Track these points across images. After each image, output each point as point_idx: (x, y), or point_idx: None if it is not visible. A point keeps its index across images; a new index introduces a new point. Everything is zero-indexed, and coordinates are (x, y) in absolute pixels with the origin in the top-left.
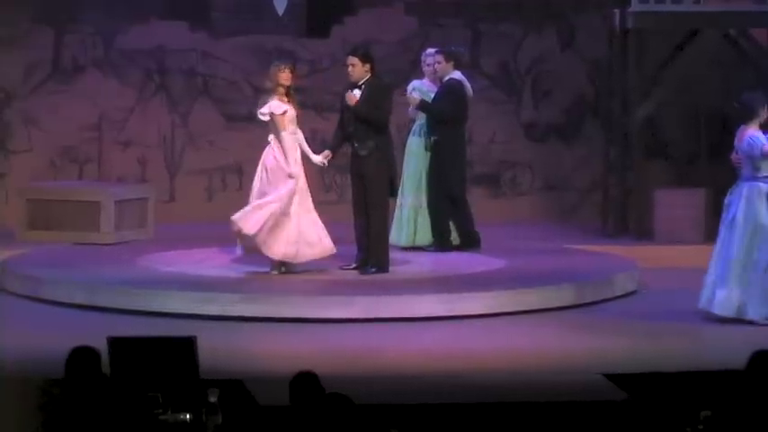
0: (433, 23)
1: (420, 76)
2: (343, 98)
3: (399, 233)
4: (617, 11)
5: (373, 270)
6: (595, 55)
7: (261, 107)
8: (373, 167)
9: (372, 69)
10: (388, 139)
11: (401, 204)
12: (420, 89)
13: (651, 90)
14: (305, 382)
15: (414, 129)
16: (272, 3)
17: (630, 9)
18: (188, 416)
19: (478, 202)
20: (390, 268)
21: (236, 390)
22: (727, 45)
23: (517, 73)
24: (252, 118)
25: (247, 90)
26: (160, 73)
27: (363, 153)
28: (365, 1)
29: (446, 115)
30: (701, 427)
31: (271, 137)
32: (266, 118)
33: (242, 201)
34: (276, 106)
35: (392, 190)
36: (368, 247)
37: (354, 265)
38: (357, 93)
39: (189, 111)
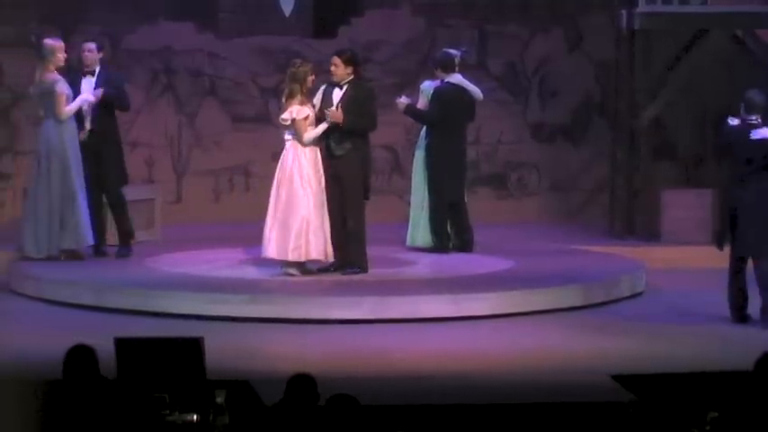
0: (439, 24)
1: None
2: (323, 99)
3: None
4: (624, 11)
5: (356, 270)
6: (602, 56)
7: (283, 112)
8: (349, 168)
9: (356, 72)
10: (366, 139)
11: (412, 206)
12: (428, 91)
13: (658, 91)
14: (301, 384)
15: (419, 142)
16: (279, 4)
17: (638, 10)
18: (195, 416)
19: (485, 202)
20: (396, 269)
21: (243, 390)
22: (735, 45)
23: (524, 74)
24: (259, 119)
25: (254, 91)
26: (167, 73)
27: (339, 153)
28: (372, 2)
29: (428, 120)
30: (708, 428)
31: (288, 138)
32: (288, 123)
33: (249, 201)
34: (298, 111)
35: (365, 191)
36: (347, 248)
37: (333, 267)
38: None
39: (196, 111)
